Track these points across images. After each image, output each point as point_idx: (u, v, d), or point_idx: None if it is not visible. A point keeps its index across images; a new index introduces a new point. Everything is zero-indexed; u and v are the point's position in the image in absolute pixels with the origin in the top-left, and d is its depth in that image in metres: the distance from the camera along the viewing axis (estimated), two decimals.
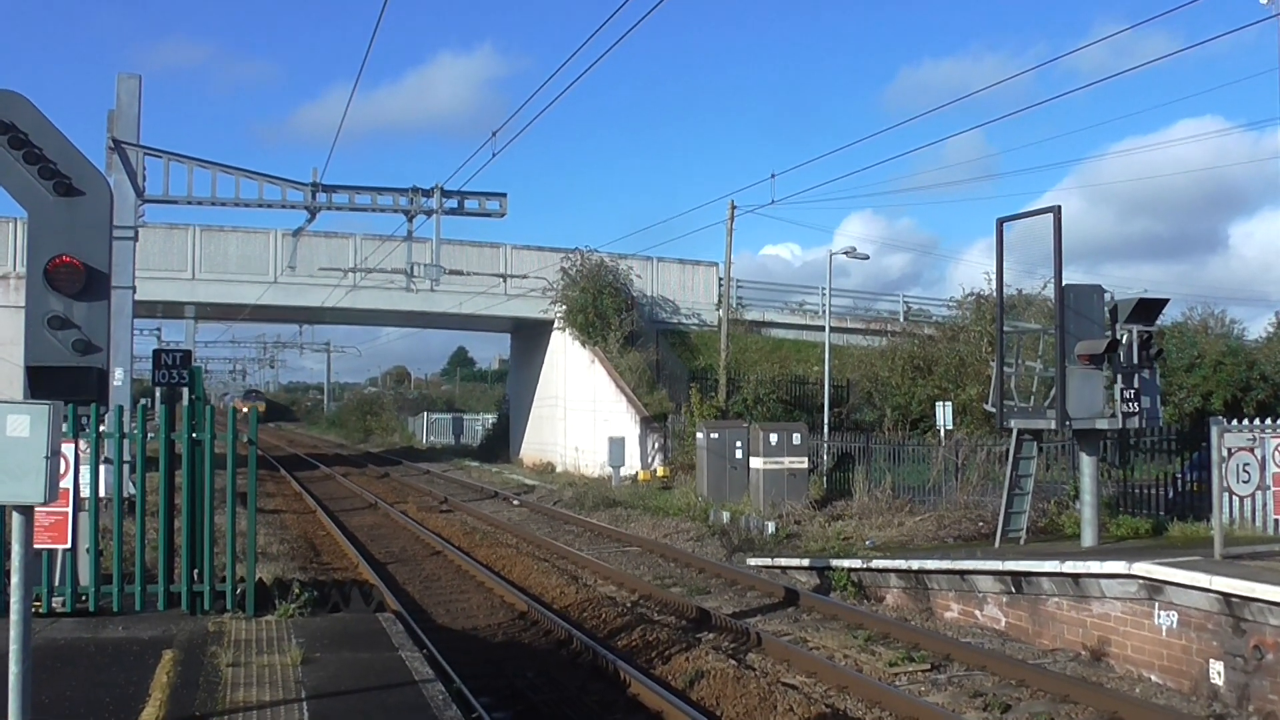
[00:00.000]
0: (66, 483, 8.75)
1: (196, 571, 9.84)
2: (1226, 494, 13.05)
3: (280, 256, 37.58)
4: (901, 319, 44.49)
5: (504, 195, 25.71)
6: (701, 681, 11.12)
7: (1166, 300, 16.08)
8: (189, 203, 23.56)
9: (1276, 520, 14.80)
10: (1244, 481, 13.10)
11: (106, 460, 10.04)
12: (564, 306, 38.40)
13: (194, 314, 50.96)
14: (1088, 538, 15.00)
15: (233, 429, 10.42)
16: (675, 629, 13.60)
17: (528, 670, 11.88)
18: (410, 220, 25.84)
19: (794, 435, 24.25)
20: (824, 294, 34.05)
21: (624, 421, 34.54)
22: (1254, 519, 15.31)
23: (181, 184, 23.01)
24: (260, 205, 24.26)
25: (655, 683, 11.00)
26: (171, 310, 46.02)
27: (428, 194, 25.12)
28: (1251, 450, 13.27)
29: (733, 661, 11.77)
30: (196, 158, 23.18)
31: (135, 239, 21.90)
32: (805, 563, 17.66)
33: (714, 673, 11.20)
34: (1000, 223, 16.37)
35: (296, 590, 10.44)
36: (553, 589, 16.68)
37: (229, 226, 38.46)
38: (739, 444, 25.20)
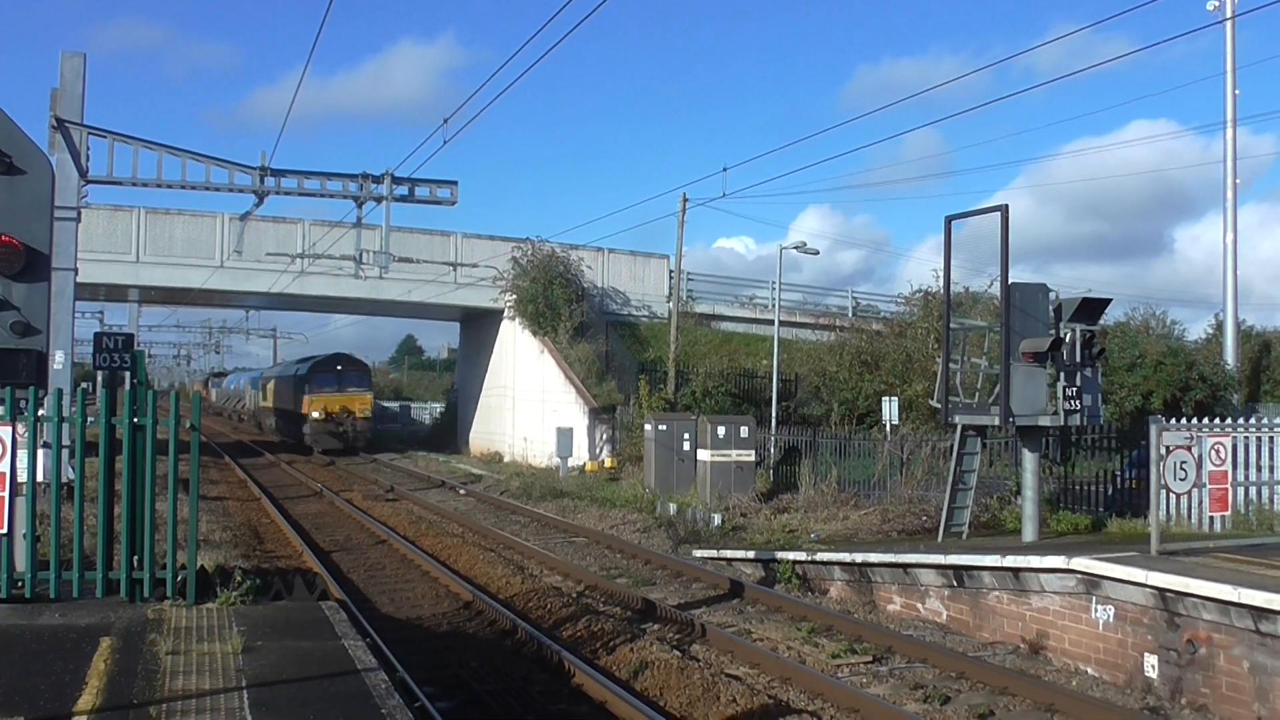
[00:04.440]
0: (3, 467, 8.60)
1: (136, 558, 9.70)
2: (1164, 491, 13.27)
3: (227, 241, 37.10)
4: (850, 314, 44.80)
5: (455, 183, 25.65)
6: (646, 672, 11.16)
7: (1109, 300, 16.33)
8: (133, 184, 23.29)
9: (1212, 517, 15.11)
10: (1181, 479, 13.31)
11: (45, 444, 9.87)
12: (514, 296, 38.27)
13: (138, 297, 50.21)
14: (1029, 533, 15.21)
15: (175, 414, 10.28)
16: (620, 620, 13.63)
17: (472, 660, 11.85)
18: (360, 206, 25.69)
19: (741, 428, 24.34)
20: (774, 288, 34.23)
21: (573, 412, 34.50)
22: (1190, 516, 15.62)
23: (126, 165, 22.78)
24: (207, 188, 24.02)
25: (599, 673, 11.02)
26: (115, 293, 45.34)
27: (378, 180, 24.98)
28: (1189, 449, 13.48)
29: (677, 652, 11.82)
30: (142, 138, 22.93)
31: (78, 220, 21.62)
32: (751, 555, 17.76)
33: (658, 663, 11.24)
34: (949, 221, 16.53)
35: (238, 578, 10.32)
36: (498, 579, 16.64)
37: (175, 209, 37.90)
38: (687, 436, 25.27)
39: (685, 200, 32.68)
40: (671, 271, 39.04)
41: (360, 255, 29.08)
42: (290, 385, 50.16)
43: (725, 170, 31.77)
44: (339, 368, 46.70)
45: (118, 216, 36.52)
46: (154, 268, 37.46)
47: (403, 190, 25.17)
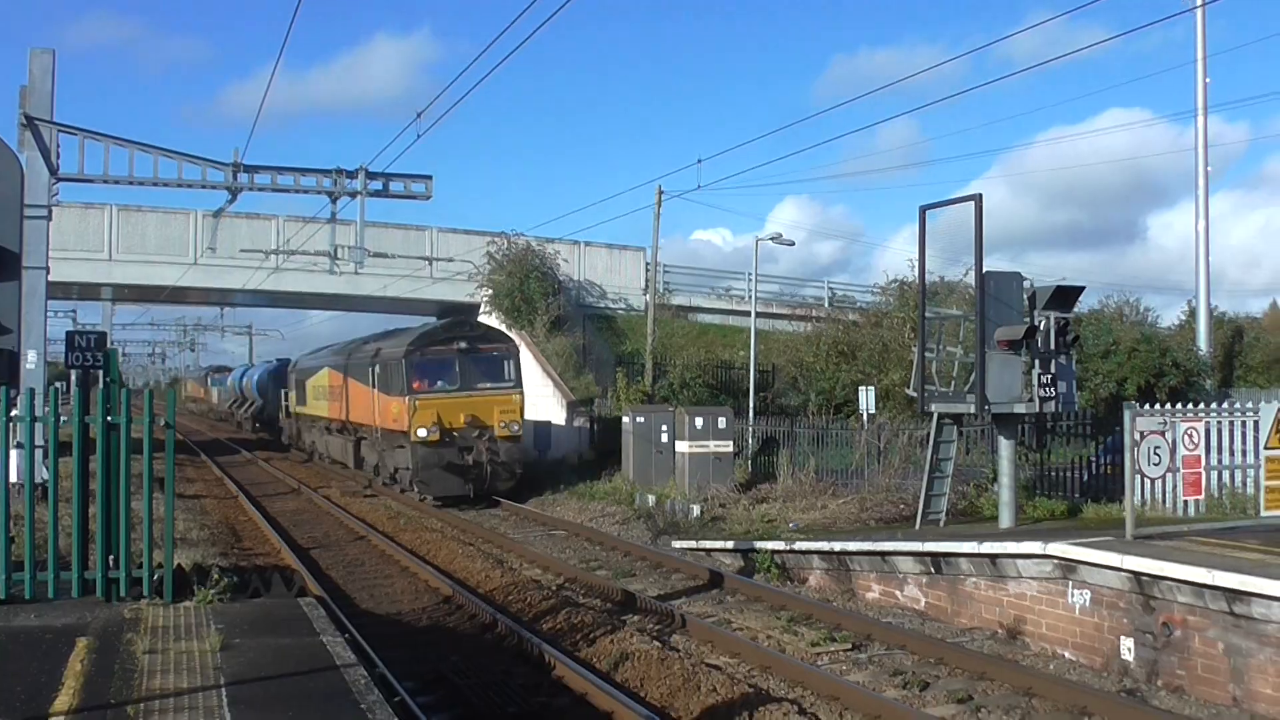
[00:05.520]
0: None
1: (112, 558, 9.64)
2: (1138, 476, 13.37)
3: (201, 237, 36.82)
4: (827, 305, 44.90)
5: (429, 178, 25.49)
6: (626, 663, 11.17)
7: (1082, 288, 16.43)
8: (105, 181, 23.08)
9: (1186, 502, 15.22)
10: (1155, 464, 13.41)
11: (18, 445, 9.80)
12: (490, 290, 38.19)
13: (111, 296, 49.80)
14: (1005, 519, 15.31)
15: (149, 412, 10.22)
16: (600, 612, 13.64)
17: (452, 654, 11.84)
18: (334, 202, 25.52)
19: (719, 419, 24.39)
20: (751, 280, 34.28)
21: (551, 405, 34.45)
22: (1164, 500, 15.73)
23: (98, 162, 22.53)
24: (179, 185, 23.82)
25: (580, 665, 11.04)
26: (88, 292, 44.94)
27: (352, 175, 24.82)
28: (1162, 434, 13.58)
29: (657, 643, 11.84)
30: (113, 135, 22.71)
31: (49, 218, 21.42)
32: (730, 545, 17.80)
33: (638, 654, 11.26)
34: (923, 210, 16.58)
35: (216, 576, 10.28)
36: (478, 573, 16.63)
37: (148, 206, 37.54)
38: (665, 428, 25.27)
39: (661, 193, 32.68)
40: (648, 264, 39.02)
41: (335, 251, 28.86)
42: (363, 378, 30.09)
43: (700, 162, 31.99)
44: (462, 345, 26.61)
45: (89, 214, 36.22)
46: (127, 265, 37.18)
47: (377, 185, 25.02)
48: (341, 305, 49.83)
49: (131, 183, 23.24)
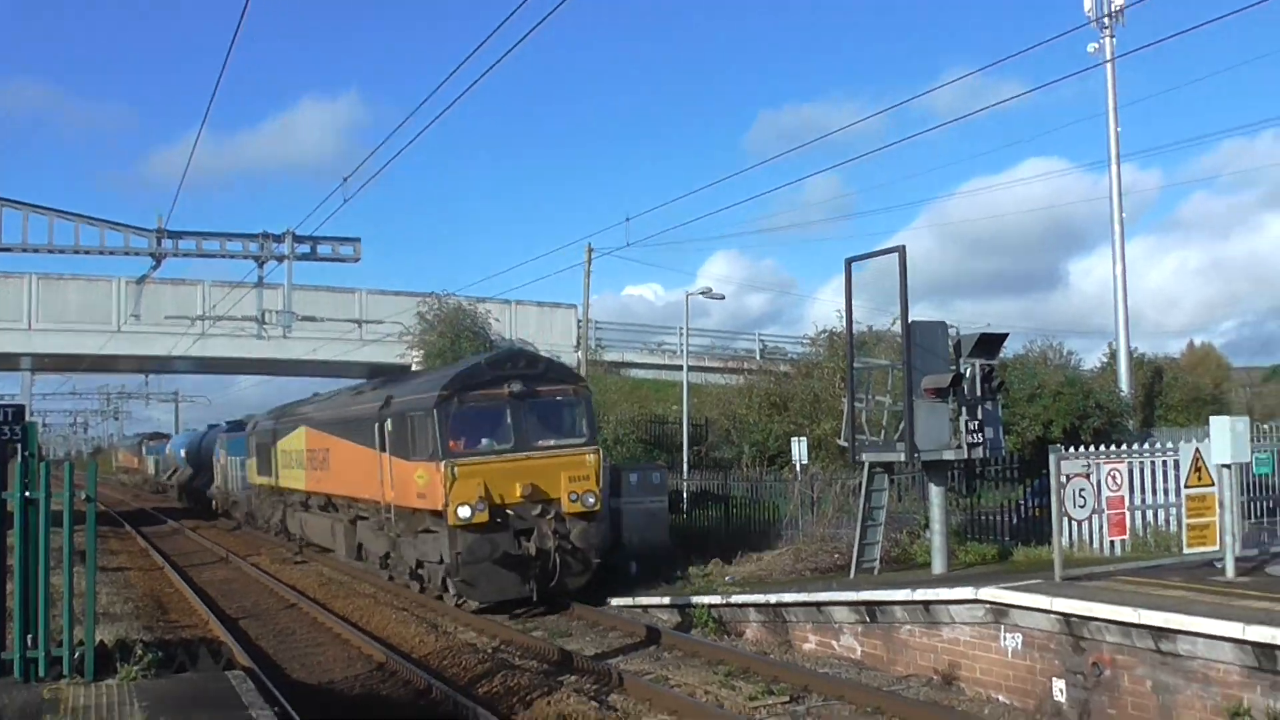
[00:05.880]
0: None
1: (30, 636, 9.37)
2: (1065, 519, 13.60)
3: (124, 304, 36.26)
4: (758, 357, 45.26)
5: (357, 240, 25.32)
6: None
7: (1006, 335, 16.79)
8: (24, 250, 22.63)
9: (1112, 542, 15.54)
10: (1080, 506, 13.66)
11: None
12: (422, 351, 37.97)
13: (30, 365, 48.73)
14: (938, 565, 15.45)
15: (69, 484, 9.99)
16: (537, 673, 13.50)
17: None
18: (261, 266, 25.24)
19: (653, 475, 24.31)
20: (682, 334, 34.49)
21: None
22: (1091, 541, 16.02)
23: (15, 231, 22.08)
24: (101, 253, 23.41)
25: None
26: (6, 362, 43.94)
27: (279, 239, 24.58)
28: (1087, 476, 13.85)
29: (594, 703, 11.75)
30: (31, 203, 22.31)
31: None
32: (666, 601, 17.73)
33: (575, 715, 11.17)
34: (849, 263, 16.86)
35: (140, 652, 10.02)
36: (412, 638, 16.39)
37: (69, 274, 36.95)
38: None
39: (590, 251, 32.92)
40: (580, 321, 39.10)
41: (263, 315, 28.55)
42: (364, 438, 22.18)
43: (628, 220, 32.16)
44: (515, 388, 19.01)
45: (8, 283, 35.59)
46: (47, 335, 36.49)
47: (305, 249, 24.79)
48: (270, 370, 49.21)
49: (51, 251, 22.84)
